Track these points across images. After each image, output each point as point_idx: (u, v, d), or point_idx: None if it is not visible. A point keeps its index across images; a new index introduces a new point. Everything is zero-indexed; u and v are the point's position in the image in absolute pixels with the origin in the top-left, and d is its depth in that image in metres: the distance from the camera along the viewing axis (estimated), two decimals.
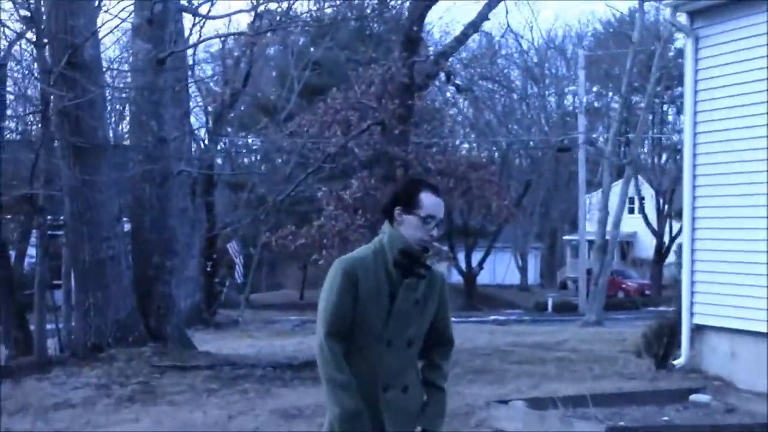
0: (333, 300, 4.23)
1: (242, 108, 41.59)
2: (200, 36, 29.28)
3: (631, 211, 50.83)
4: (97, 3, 16.89)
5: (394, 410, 4.26)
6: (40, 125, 16.12)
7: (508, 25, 30.93)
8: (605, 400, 10.64)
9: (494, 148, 49.98)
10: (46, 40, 15.31)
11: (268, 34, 24.71)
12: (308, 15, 30.68)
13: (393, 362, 4.27)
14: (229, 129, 38.45)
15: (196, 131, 34.56)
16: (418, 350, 4.38)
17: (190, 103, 31.28)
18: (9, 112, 26.09)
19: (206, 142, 32.11)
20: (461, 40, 30.51)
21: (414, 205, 4.25)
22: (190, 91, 30.56)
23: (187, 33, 26.27)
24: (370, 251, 4.30)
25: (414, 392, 4.35)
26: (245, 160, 43.39)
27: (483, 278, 51.08)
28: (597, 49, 50.13)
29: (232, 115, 34.35)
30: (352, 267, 4.23)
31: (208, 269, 30.19)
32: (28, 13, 16.87)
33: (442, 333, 4.44)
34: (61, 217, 16.42)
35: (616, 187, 34.19)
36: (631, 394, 11.22)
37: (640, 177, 47.70)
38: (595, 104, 54.28)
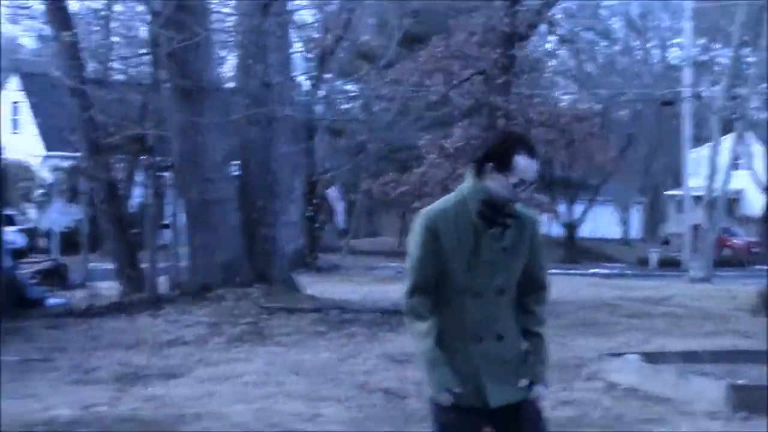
0: (416, 254, 4.16)
1: (342, 55, 41.47)
2: None
3: (739, 167, 49.58)
4: None
5: (488, 360, 4.13)
6: (150, 66, 16.21)
7: None
8: (721, 356, 10.33)
9: (595, 101, 49.14)
10: None
11: None
12: None
13: (483, 312, 4.14)
14: (329, 75, 38.40)
15: (297, 77, 34.65)
16: (512, 298, 4.22)
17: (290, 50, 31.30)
18: (116, 53, 26.43)
19: (308, 87, 32.12)
20: None
21: (507, 166, 4.04)
22: (292, 36, 30.55)
23: None
24: (452, 202, 4.15)
25: (510, 341, 4.19)
26: (345, 106, 43.37)
27: (584, 231, 50.51)
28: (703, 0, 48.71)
29: (332, 61, 34.20)
30: (433, 220, 4.11)
31: (308, 214, 30.35)
32: None
33: (535, 278, 4.25)
34: (169, 159, 16.59)
35: (724, 142, 33.36)
36: (748, 352, 10.90)
37: (749, 133, 46.46)
38: (701, 57, 52.90)
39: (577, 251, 46.37)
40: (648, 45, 54.36)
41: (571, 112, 29.59)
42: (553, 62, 46.28)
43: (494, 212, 4.07)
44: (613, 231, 55.74)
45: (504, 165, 4.04)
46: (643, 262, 42.48)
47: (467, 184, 4.15)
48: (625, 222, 56.47)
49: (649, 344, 11.96)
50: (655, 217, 64.60)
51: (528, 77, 33.80)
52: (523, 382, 4.15)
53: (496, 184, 4.06)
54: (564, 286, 21.71)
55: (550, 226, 51.44)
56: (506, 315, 4.20)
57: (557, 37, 37.61)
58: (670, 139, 54.08)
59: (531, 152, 4.10)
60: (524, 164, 4.04)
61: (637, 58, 53.10)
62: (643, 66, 52.88)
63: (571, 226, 47.35)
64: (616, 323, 14.26)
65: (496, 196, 4.05)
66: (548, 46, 44.33)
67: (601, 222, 54.58)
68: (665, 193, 62.11)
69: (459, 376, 4.09)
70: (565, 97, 46.19)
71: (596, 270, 35.23)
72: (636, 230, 60.72)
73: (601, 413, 8.40)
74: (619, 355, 10.32)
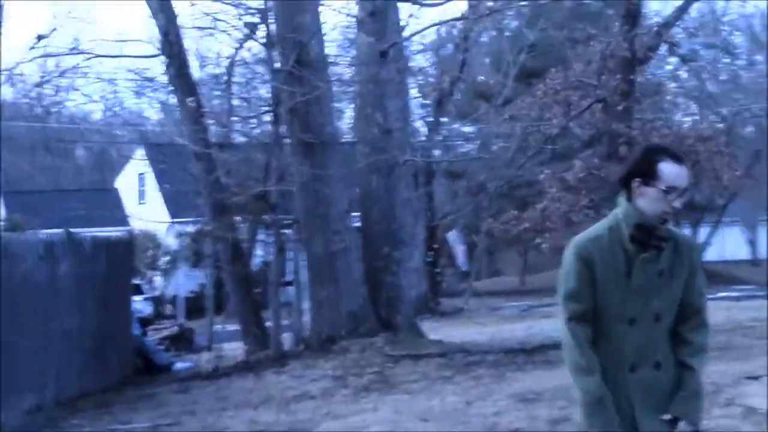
0: (570, 284, 4.04)
1: (458, 96, 41.59)
2: (415, 27, 29.43)
3: None
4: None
5: (644, 389, 4.03)
6: (272, 124, 16.55)
7: None
8: None
9: (719, 119, 48.04)
10: (274, 41, 15.74)
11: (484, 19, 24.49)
12: None
13: (639, 339, 4.03)
14: (447, 119, 38.54)
15: (414, 122, 34.87)
16: (670, 324, 4.09)
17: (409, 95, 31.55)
18: (239, 115, 27.04)
19: (426, 131, 32.26)
20: (684, 8, 29.43)
21: (653, 176, 3.95)
22: (408, 82, 30.79)
23: (402, 23, 26.44)
24: (605, 228, 4.07)
25: (668, 368, 4.07)
26: (463, 149, 43.39)
27: (710, 255, 49.21)
28: None
29: (449, 104, 34.34)
30: (585, 248, 4.02)
31: (430, 259, 30.34)
32: (255, 19, 17.37)
33: (691, 304, 4.11)
34: (290, 215, 16.83)
35: None
36: None
37: None
38: None
39: (706, 275, 45.15)
40: None
41: (694, 132, 28.92)
42: (674, 84, 45.57)
43: (647, 235, 3.99)
44: (741, 252, 54.14)
45: (650, 176, 3.96)
46: None
47: (620, 208, 4.07)
48: (753, 242, 54.79)
49: None
50: None
51: (650, 101, 33.30)
52: (666, 416, 4.00)
53: (646, 200, 3.97)
54: None
55: None
56: (664, 342, 4.09)
57: (678, 58, 36.95)
58: None
59: (676, 158, 4.01)
60: (670, 170, 3.95)
61: (761, 72, 51.72)
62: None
63: None
64: (752, 346, 13.78)
65: (653, 214, 3.97)
66: (669, 67, 43.69)
67: (728, 243, 53.10)
68: None
69: (615, 408, 3.99)
70: (687, 118, 45.35)
71: (727, 293, 34.22)
72: (765, 249, 58.86)
73: None
74: (757, 378, 9.98)
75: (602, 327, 4.05)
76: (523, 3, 21.91)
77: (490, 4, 21.94)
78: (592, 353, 4.01)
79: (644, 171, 3.98)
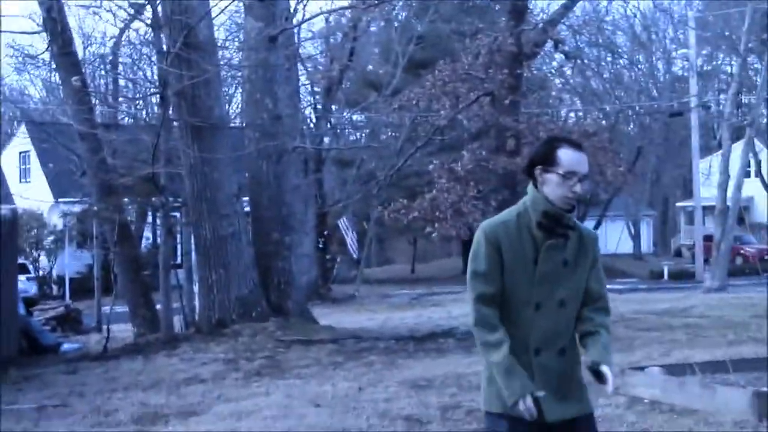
0: (479, 266, 4.13)
1: (348, 84, 41.64)
2: (304, 14, 29.36)
3: (748, 174, 49.48)
4: None
5: (548, 373, 4.12)
6: (159, 106, 16.28)
7: None
8: (745, 365, 10.24)
9: (602, 116, 49.11)
10: (161, 23, 15.46)
11: (374, 9, 24.56)
12: None
13: (544, 325, 4.12)
14: (335, 106, 38.57)
15: (303, 109, 34.78)
16: (574, 313, 4.19)
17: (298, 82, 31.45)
18: (127, 95, 26.64)
19: (315, 119, 32.22)
20: (568, 6, 30.03)
21: (552, 162, 4.09)
22: (298, 69, 30.70)
23: (292, 10, 26.32)
24: (514, 214, 4.18)
25: (572, 355, 4.18)
26: (352, 137, 43.48)
27: None
28: (706, 10, 48.72)
29: (339, 92, 34.37)
30: (493, 232, 4.12)
31: (321, 245, 30.37)
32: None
33: (594, 291, 4.23)
34: (179, 198, 16.64)
35: (735, 151, 33.26)
36: None
37: (756, 140, 46.37)
38: (705, 67, 52.86)
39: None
40: (653, 57, 54.33)
41: (578, 128, 29.55)
42: (560, 80, 46.43)
43: (554, 223, 4.10)
44: (625, 246, 55.54)
45: (549, 162, 4.10)
46: (657, 275, 42.30)
47: (528, 195, 4.19)
48: (636, 236, 56.28)
49: (670, 356, 11.87)
50: (665, 230, 64.41)
51: (536, 96, 33.87)
52: (587, 361, 4.08)
53: (549, 186, 4.10)
54: None
55: None
56: (568, 330, 4.19)
57: (563, 55, 37.62)
58: (678, 151, 54.05)
59: (574, 146, 4.16)
60: (568, 155, 4.09)
61: (642, 71, 53.05)
62: (650, 78, 52.85)
63: None
64: (635, 337, 14.18)
65: (556, 199, 4.09)
66: (554, 63, 44.50)
67: (612, 237, 54.41)
68: (676, 204, 61.98)
69: None
70: (572, 114, 46.28)
71: (610, 286, 35.07)
72: (647, 244, 60.49)
73: (626, 428, 8.32)
74: (641, 368, 10.24)
75: (509, 311, 4.13)
76: None
77: None
78: (500, 329, 4.09)
79: (545, 158, 4.11)
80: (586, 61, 43.24)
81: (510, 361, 4.05)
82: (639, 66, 52.81)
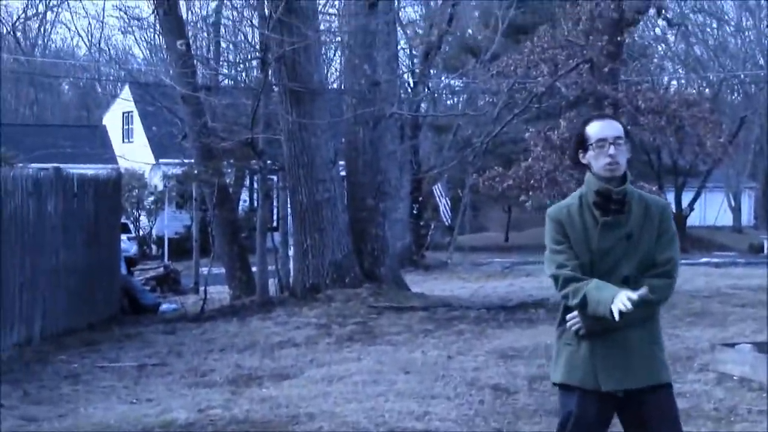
0: (552, 242, 4.37)
1: (446, 49, 41.49)
2: None
3: None
4: None
5: (610, 348, 4.28)
6: (260, 71, 16.51)
7: None
8: None
9: (705, 85, 48.14)
10: None
11: None
12: None
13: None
14: (434, 71, 38.50)
15: (402, 74, 34.79)
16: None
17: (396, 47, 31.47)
18: (228, 59, 26.97)
19: (413, 84, 32.22)
20: None
21: (584, 140, 4.34)
22: (398, 34, 30.70)
23: None
24: (576, 197, 4.40)
25: (637, 330, 4.30)
26: (449, 102, 43.39)
27: (693, 220, 49.50)
28: None
29: (437, 57, 34.26)
30: (556, 214, 4.38)
31: (415, 212, 30.49)
32: None
33: (660, 259, 4.31)
34: (277, 162, 16.89)
35: None
36: None
37: None
38: None
39: (687, 240, 45.47)
40: (762, 24, 52.94)
41: (679, 97, 29.03)
42: (662, 47, 45.59)
43: (606, 200, 4.28)
44: (725, 218, 54.48)
45: (582, 142, 4.36)
46: (757, 249, 41.53)
47: (585, 179, 4.39)
48: (736, 208, 55.16)
49: (763, 334, 11.74)
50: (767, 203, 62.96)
51: (637, 64, 33.36)
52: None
53: (593, 163, 4.32)
54: None
55: None
56: (649, 305, 4.25)
57: (666, 22, 36.94)
58: None
59: (599, 117, 4.42)
60: (595, 127, 4.32)
61: (749, 39, 51.76)
62: (756, 46, 51.57)
63: (680, 215, 46.46)
64: (729, 313, 14.04)
65: (601, 171, 4.28)
66: (657, 30, 43.68)
67: (711, 209, 53.40)
68: None
69: (582, 363, 4.29)
70: (674, 82, 45.44)
71: (708, 259, 34.58)
72: (748, 217, 59.24)
73: (714, 405, 8.33)
74: (732, 345, 10.18)
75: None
76: None
77: None
78: (585, 279, 4.24)
79: (579, 141, 4.38)
80: (689, 27, 42.39)
81: (596, 284, 4.18)
82: (745, 33, 51.55)
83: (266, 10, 15.42)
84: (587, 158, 4.34)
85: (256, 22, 17.51)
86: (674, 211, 45.72)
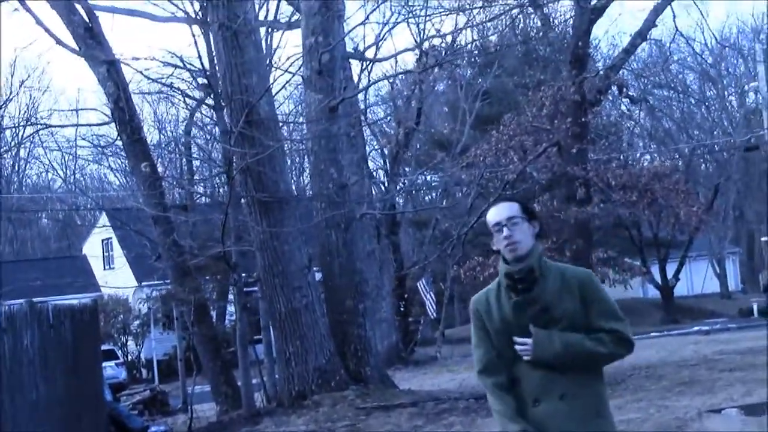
0: (473, 339, 4.47)
1: (417, 146, 41.92)
2: (369, 80, 29.78)
3: None
4: (267, 60, 17.37)
5: (550, 421, 4.25)
6: (226, 185, 16.61)
7: (677, 30, 30.01)
8: None
9: (677, 156, 48.67)
10: (223, 103, 15.82)
11: (436, 69, 24.87)
12: (473, 46, 30.82)
13: (539, 375, 4.28)
14: (407, 168, 38.82)
15: (374, 173, 35.10)
16: None
17: (366, 147, 31.80)
18: (197, 176, 27.20)
19: (386, 183, 32.45)
20: (629, 50, 29.97)
21: (488, 228, 4.43)
22: (365, 135, 31.04)
23: (356, 78, 26.76)
24: (495, 283, 4.47)
25: (576, 397, 4.26)
26: (426, 197, 43.67)
27: (680, 289, 49.50)
28: None
29: (408, 154, 34.60)
30: (475, 304, 4.47)
31: (401, 309, 30.40)
32: (204, 81, 17.53)
33: (597, 325, 4.30)
34: (254, 273, 16.87)
35: None
36: None
37: None
38: None
39: (676, 311, 45.43)
40: (725, 92, 53.78)
41: (650, 170, 29.32)
42: (629, 124, 46.15)
43: (513, 280, 4.34)
44: (711, 285, 54.53)
45: (488, 230, 4.43)
46: (746, 313, 41.46)
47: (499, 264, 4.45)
48: (722, 274, 55.24)
49: (752, 396, 11.67)
50: (752, 266, 63.09)
51: (605, 142, 33.75)
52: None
53: (499, 247, 4.37)
54: (664, 347, 21.38)
55: (644, 289, 50.53)
56: (566, 375, 4.28)
57: (629, 99, 37.52)
58: (759, 185, 53.10)
59: (494, 201, 4.61)
60: (491, 213, 4.43)
61: (714, 107, 52.52)
62: (722, 114, 52.29)
63: (666, 286, 46.47)
64: (717, 379, 13.97)
65: (505, 254, 4.34)
66: (623, 108, 44.30)
67: (697, 278, 53.44)
68: (762, 239, 60.68)
69: None
70: (646, 157, 45.87)
71: (698, 327, 34.48)
72: (735, 282, 59.30)
73: None
74: (719, 411, 10.12)
75: (510, 370, 4.37)
76: (468, 54, 22.07)
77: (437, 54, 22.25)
78: (506, 397, 4.33)
79: (490, 231, 4.44)
80: (653, 102, 43.01)
81: (521, 430, 4.23)
82: (710, 103, 52.31)
83: (227, 125, 15.55)
84: (494, 245, 4.41)
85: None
86: (660, 282, 45.94)
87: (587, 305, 4.32)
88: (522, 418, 4.24)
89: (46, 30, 17.11)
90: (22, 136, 44.17)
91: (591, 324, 4.30)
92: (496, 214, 4.36)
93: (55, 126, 24.25)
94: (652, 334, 33.83)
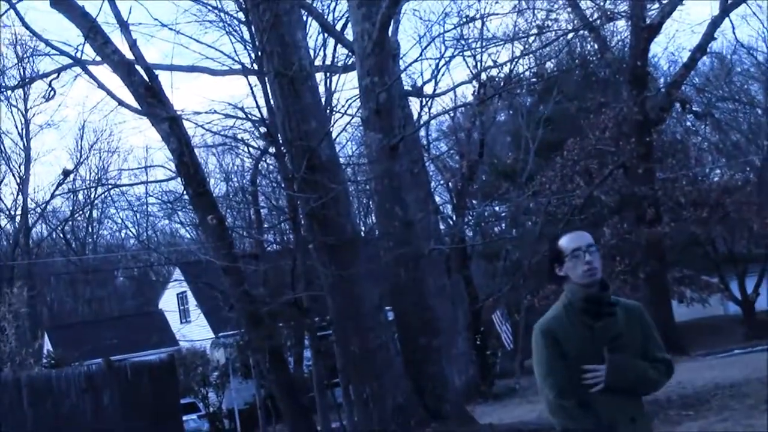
0: (544, 365, 4.45)
1: (483, 177, 41.80)
2: (429, 115, 29.85)
3: None
4: (325, 105, 17.47)
5: None
6: (293, 230, 16.71)
7: (737, 40, 29.74)
8: None
9: (747, 169, 47.91)
10: (284, 150, 15.95)
11: (495, 99, 24.85)
12: (530, 72, 30.75)
13: (611, 399, 4.37)
14: (474, 201, 38.71)
15: (441, 208, 35.03)
16: None
17: (432, 183, 31.81)
18: (264, 225, 27.40)
19: (453, 217, 32.40)
20: (690, 65, 29.71)
21: (560, 254, 4.48)
22: (430, 170, 31.07)
23: (416, 115, 26.85)
24: (561, 308, 4.50)
25: (643, 421, 4.48)
26: (495, 228, 43.47)
27: (762, 304, 48.46)
28: None
29: (474, 186, 34.53)
30: (548, 327, 4.47)
31: (477, 342, 30.20)
32: (265, 129, 17.69)
33: (656, 356, 4.52)
34: (327, 317, 16.91)
35: None
36: None
37: None
38: None
39: (758, 326, 44.44)
40: None
41: (720, 185, 28.95)
42: (695, 139, 45.56)
43: (596, 305, 4.42)
44: None
45: (558, 256, 4.50)
46: None
47: (565, 290, 4.52)
48: None
49: None
50: None
51: (672, 160, 33.37)
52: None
53: (571, 273, 4.45)
54: (747, 365, 20.92)
55: (725, 306, 49.54)
56: (637, 399, 4.48)
57: (693, 114, 37.14)
58: None
59: (569, 231, 4.60)
60: (565, 241, 4.48)
61: None
62: None
63: (747, 301, 45.54)
64: None
65: (580, 281, 4.42)
66: (688, 124, 43.78)
67: None
68: None
69: None
70: (716, 171, 45.23)
71: None
72: None
73: None
74: None
75: (579, 395, 4.39)
76: (525, 81, 22.02)
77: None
78: (586, 415, 4.36)
79: (554, 257, 4.52)
80: (718, 116, 42.46)
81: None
82: None
83: (290, 171, 15.65)
84: (566, 271, 4.46)
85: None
86: (739, 298, 45.07)
87: (646, 335, 4.53)
88: None
89: (108, 92, 17.43)
90: (94, 197, 45.14)
91: (648, 353, 4.50)
92: (575, 240, 4.46)
93: (124, 185, 24.62)
94: (735, 351, 33.16)
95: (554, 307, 4.54)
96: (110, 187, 24.39)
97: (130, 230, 40.28)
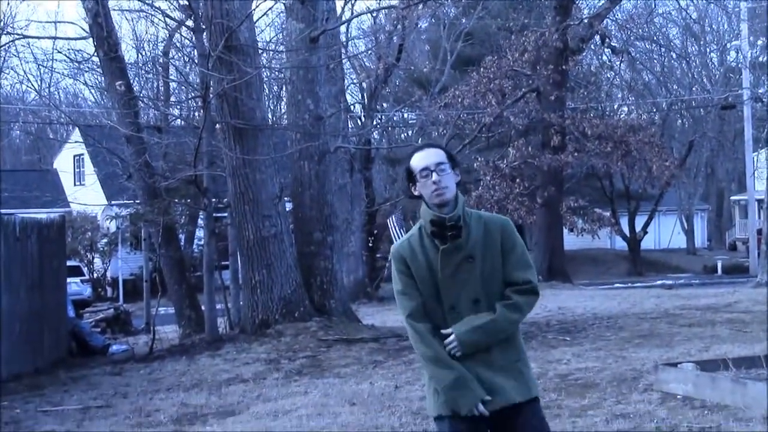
0: (397, 285, 4.44)
1: (397, 83, 41.71)
2: (352, 12, 29.52)
3: None
4: None
5: (476, 369, 4.33)
6: (202, 109, 16.49)
7: None
8: None
9: (654, 110, 48.73)
10: (203, 26, 15.65)
11: (420, 6, 24.66)
12: None
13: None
14: (385, 104, 38.65)
15: (351, 107, 34.93)
16: (494, 302, 4.39)
17: (345, 81, 31.62)
18: (173, 98, 26.97)
19: (362, 118, 32.33)
20: (614, 0, 29.85)
21: (411, 172, 4.39)
22: (345, 68, 30.83)
23: (339, 10, 26.50)
24: (416, 229, 4.45)
25: (497, 347, 4.38)
26: (402, 135, 43.57)
27: (648, 243, 49.95)
28: (760, 0, 47.95)
29: (387, 90, 34.46)
30: (398, 250, 4.44)
31: (370, 244, 30.48)
32: (186, 2, 17.29)
33: (516, 277, 4.41)
34: (225, 199, 16.84)
35: None
36: None
37: None
38: (761, 58, 52.10)
39: (641, 264, 45.88)
40: (707, 49, 53.65)
41: (626, 123, 29.41)
42: (609, 75, 46.07)
43: (441, 228, 4.33)
44: (679, 240, 54.99)
45: (411, 175, 4.40)
46: (710, 270, 41.95)
47: (421, 210, 4.43)
48: (689, 230, 55.75)
49: (708, 352, 11.81)
50: (720, 224, 63.67)
51: (584, 92, 33.74)
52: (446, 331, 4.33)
53: (423, 193, 4.35)
54: (626, 299, 21.61)
55: (612, 240, 50.91)
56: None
57: (610, 49, 37.47)
58: (732, 144, 53.39)
59: (420, 148, 4.43)
60: (416, 157, 4.37)
61: (695, 64, 52.43)
62: (703, 71, 52.23)
63: (634, 239, 46.87)
64: (676, 333, 14.12)
65: (431, 200, 4.32)
66: (604, 58, 44.20)
67: (665, 232, 53.87)
68: (730, 198, 61.20)
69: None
70: (624, 109, 45.93)
71: (662, 281, 34.85)
72: (701, 238, 59.85)
73: (656, 424, 8.34)
74: (675, 365, 10.21)
75: (432, 317, 4.39)
76: None
77: None
78: (435, 341, 4.35)
79: (408, 176, 4.43)
80: (635, 54, 42.89)
81: (456, 377, 4.29)
82: (691, 59, 52.20)
83: (206, 49, 15.39)
84: (418, 190, 4.37)
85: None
86: (627, 234, 46.30)
87: (505, 253, 4.41)
88: (456, 363, 4.31)
89: None
90: None
91: (508, 273, 4.41)
92: (423, 159, 4.35)
93: (31, 37, 23.78)
94: (617, 285, 34.21)
95: (413, 227, 4.49)
96: (16, 37, 23.62)
97: (33, 83, 39.05)
